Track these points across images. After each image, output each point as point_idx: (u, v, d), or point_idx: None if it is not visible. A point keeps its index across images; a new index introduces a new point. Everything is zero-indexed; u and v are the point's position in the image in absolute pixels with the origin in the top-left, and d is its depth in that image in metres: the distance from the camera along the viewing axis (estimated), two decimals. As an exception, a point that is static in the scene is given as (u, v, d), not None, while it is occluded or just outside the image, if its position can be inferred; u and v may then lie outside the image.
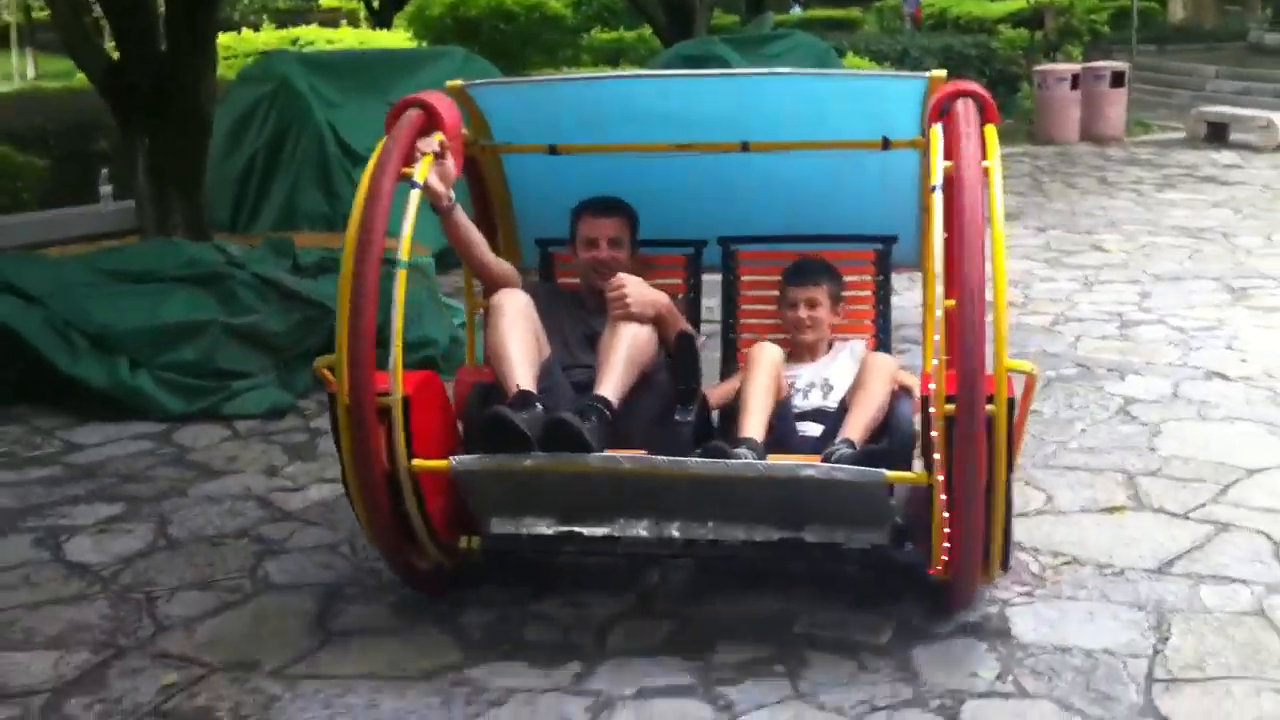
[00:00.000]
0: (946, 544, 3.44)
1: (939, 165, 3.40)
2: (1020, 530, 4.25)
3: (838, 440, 3.74)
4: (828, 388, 4.22)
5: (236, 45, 18.85)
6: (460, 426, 4.05)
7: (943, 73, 3.85)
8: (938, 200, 3.35)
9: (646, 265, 4.47)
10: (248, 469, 5.36)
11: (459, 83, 4.04)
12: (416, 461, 3.55)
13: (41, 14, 38.31)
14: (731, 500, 3.59)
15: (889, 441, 3.85)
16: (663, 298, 4.04)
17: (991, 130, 3.54)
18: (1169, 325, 7.29)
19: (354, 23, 33.02)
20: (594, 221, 4.35)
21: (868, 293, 4.63)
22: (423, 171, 3.64)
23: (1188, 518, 4.55)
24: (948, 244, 3.35)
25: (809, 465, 3.54)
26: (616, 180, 4.37)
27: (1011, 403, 3.33)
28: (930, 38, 19.65)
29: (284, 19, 29.44)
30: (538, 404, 3.68)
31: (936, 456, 3.30)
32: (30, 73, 34.18)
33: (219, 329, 6.12)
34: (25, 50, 35.64)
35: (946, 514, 3.36)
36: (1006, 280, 3.21)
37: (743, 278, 4.73)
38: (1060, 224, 10.65)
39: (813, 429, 4.08)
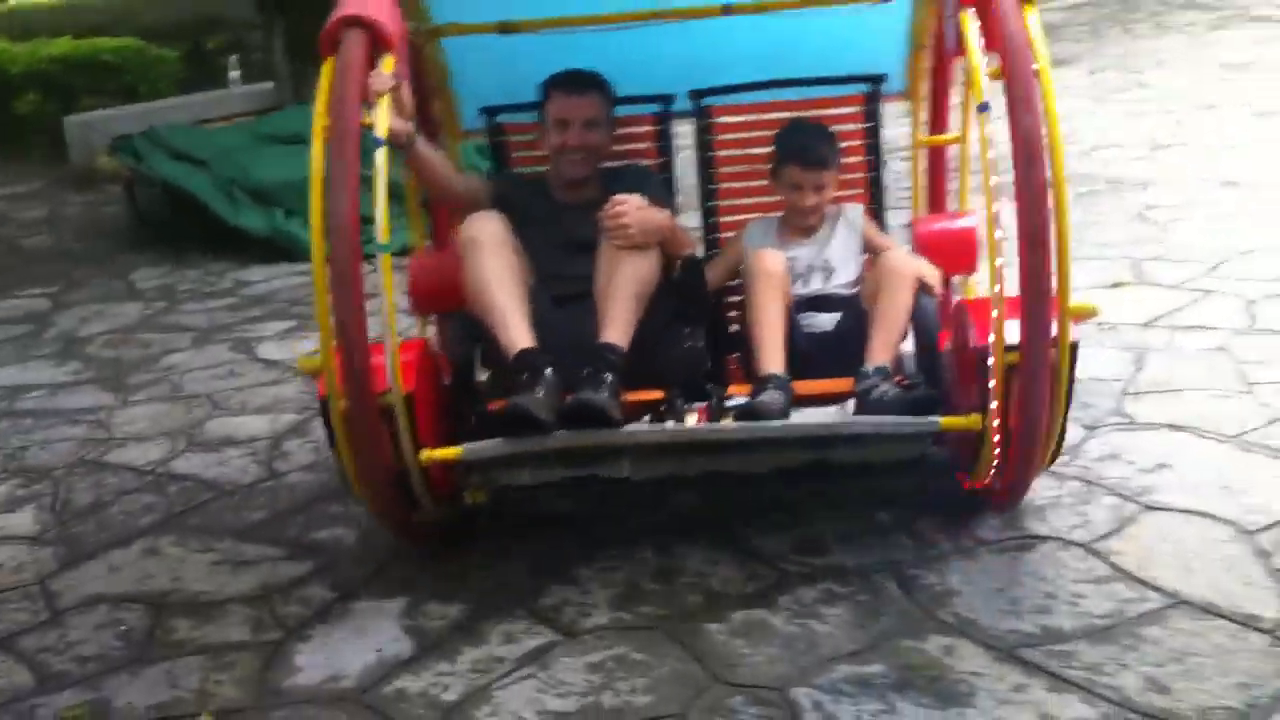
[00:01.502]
0: (995, 468, 3.34)
1: (982, 72, 3.05)
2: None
3: (869, 368, 3.48)
4: (828, 270, 3.92)
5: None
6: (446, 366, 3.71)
7: None
8: (987, 120, 3.04)
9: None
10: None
11: None
12: (425, 453, 3.23)
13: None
14: (762, 444, 3.35)
15: (916, 345, 3.72)
16: (667, 218, 3.65)
17: (1031, 9, 3.05)
18: (1195, 146, 8.05)
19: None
20: (566, 101, 3.80)
21: (857, 142, 4.23)
22: (383, 120, 3.12)
23: (1179, 287, 5.44)
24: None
25: (857, 421, 3.35)
26: (571, 46, 3.89)
27: (1074, 347, 3.14)
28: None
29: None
30: (547, 369, 3.32)
31: (994, 404, 3.15)
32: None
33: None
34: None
35: (997, 452, 3.26)
36: (1069, 210, 2.96)
37: (719, 136, 4.27)
38: (1112, 65, 11.30)
39: (819, 320, 3.83)
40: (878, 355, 3.52)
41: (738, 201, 4.27)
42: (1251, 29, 12.66)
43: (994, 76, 3.02)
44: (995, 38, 3.01)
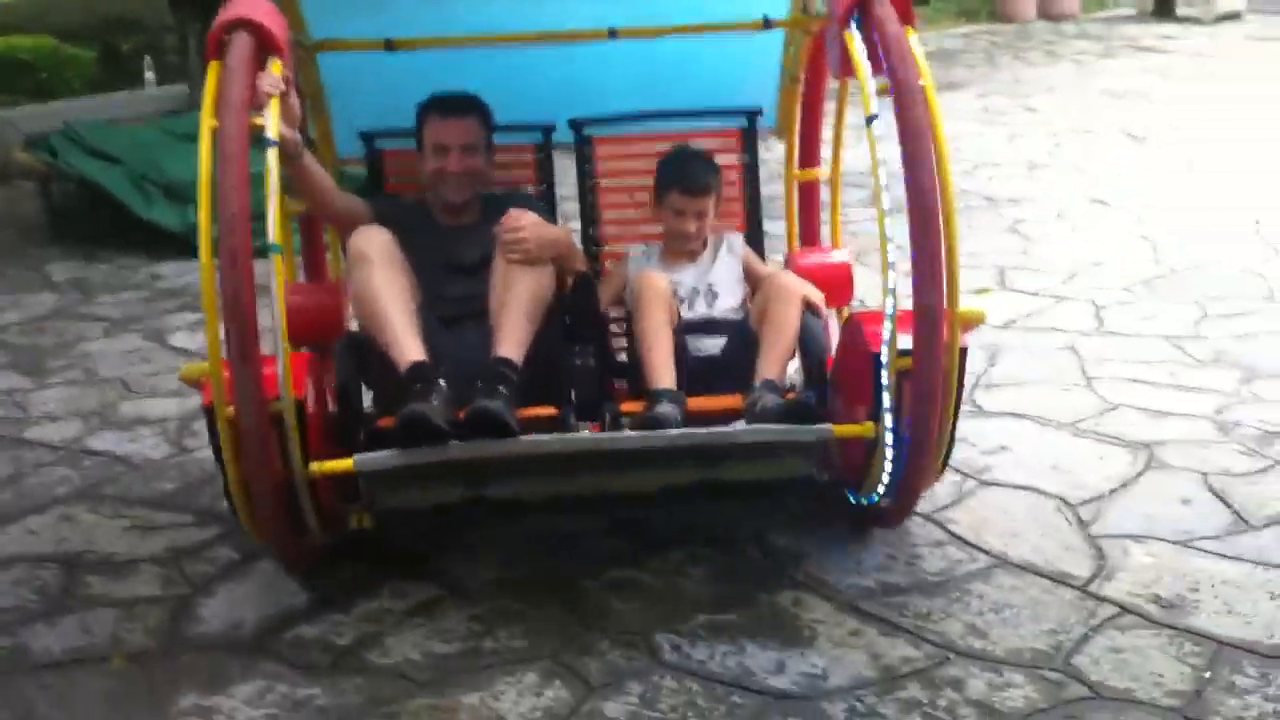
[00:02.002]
0: (886, 480, 3.32)
1: (870, 89, 3.13)
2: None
3: (757, 382, 3.52)
4: (712, 295, 3.94)
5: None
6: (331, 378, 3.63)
7: None
8: (874, 133, 3.13)
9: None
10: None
11: None
12: (314, 465, 3.14)
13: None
14: (654, 457, 3.31)
15: (803, 365, 3.75)
16: (563, 235, 3.73)
17: (911, 34, 3.17)
18: (1072, 167, 8.56)
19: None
20: (443, 126, 3.80)
21: (735, 175, 4.29)
22: (275, 121, 3.10)
23: (1037, 294, 5.88)
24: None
25: (751, 430, 3.35)
26: (448, 62, 3.89)
27: (964, 352, 3.22)
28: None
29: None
30: (440, 380, 3.29)
31: (887, 408, 3.18)
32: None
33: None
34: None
35: (890, 460, 3.25)
36: (956, 213, 3.05)
37: (600, 164, 4.30)
38: (1002, 90, 11.82)
39: (706, 344, 3.84)
40: (766, 370, 3.55)
41: (619, 230, 4.29)
42: (1137, 58, 13.32)
43: (882, 92, 3.11)
44: (881, 55, 3.14)
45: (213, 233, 2.93)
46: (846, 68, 3.29)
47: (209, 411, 3.12)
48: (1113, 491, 3.92)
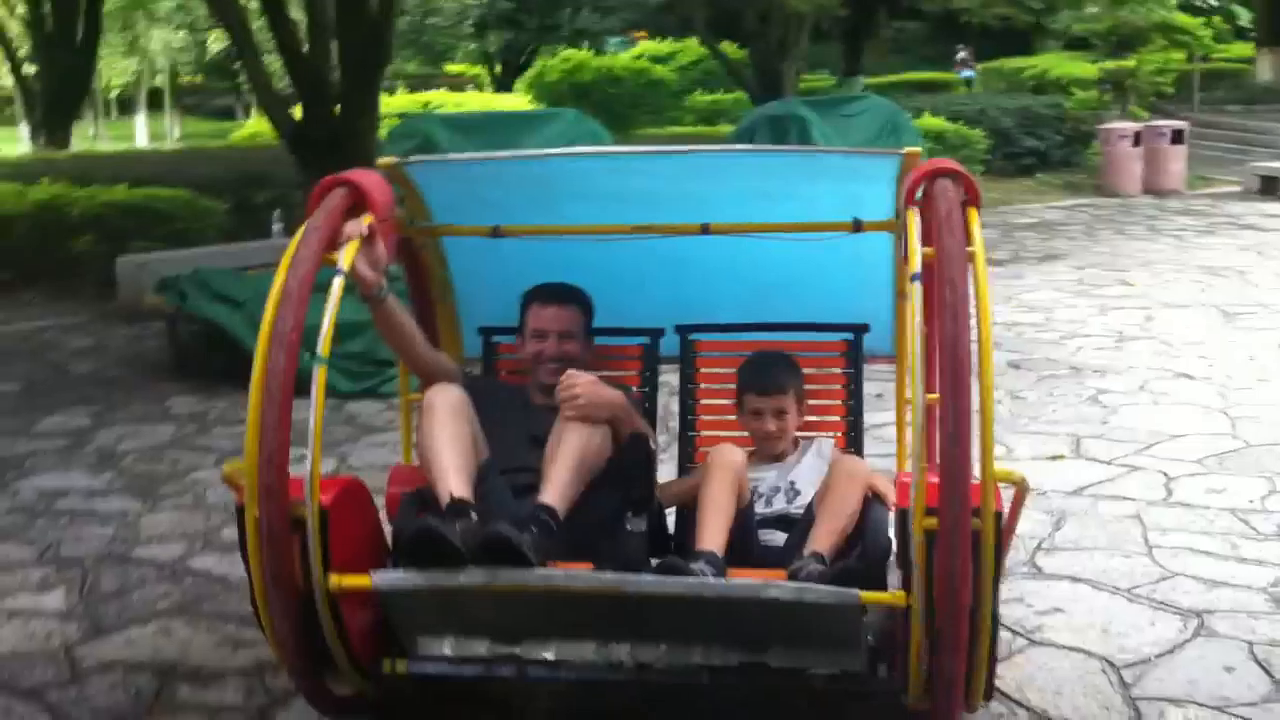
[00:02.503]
0: (925, 670, 3.08)
1: (918, 251, 3.11)
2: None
3: (805, 553, 3.42)
4: (793, 492, 3.90)
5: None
6: (389, 539, 3.66)
7: (918, 149, 3.53)
8: (917, 290, 3.07)
9: (600, 356, 4.22)
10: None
11: (392, 159, 3.73)
12: (333, 577, 3.13)
13: (183, 79, 41.39)
14: (688, 620, 3.27)
15: (861, 553, 3.52)
16: (619, 397, 3.70)
17: (974, 214, 3.18)
18: (1160, 340, 8.68)
19: (479, 87, 35.46)
20: (543, 312, 3.99)
21: (837, 386, 4.32)
22: (348, 256, 3.27)
23: (1110, 463, 6.00)
24: (928, 338, 3.19)
25: (774, 584, 3.18)
26: (566, 263, 4.08)
27: (999, 516, 3.02)
28: (1008, 98, 20.94)
29: (416, 84, 31.95)
30: (472, 513, 3.32)
31: (915, 573, 2.99)
32: (175, 133, 36.83)
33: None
34: (174, 112, 38.53)
35: (926, 639, 3.03)
36: (993, 376, 2.97)
37: (701, 369, 4.40)
38: (1099, 263, 12.00)
39: (777, 537, 3.80)
40: (815, 542, 3.46)
41: (715, 433, 4.29)
42: (1238, 236, 13.43)
43: (928, 257, 3.07)
44: (932, 221, 3.09)
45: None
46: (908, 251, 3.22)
47: (240, 512, 3.16)
48: (1158, 656, 4.00)
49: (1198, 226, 14.19)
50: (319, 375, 3.12)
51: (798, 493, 3.89)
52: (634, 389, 4.23)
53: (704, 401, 4.39)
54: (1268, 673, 3.88)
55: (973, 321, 2.92)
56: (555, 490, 3.42)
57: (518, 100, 26.08)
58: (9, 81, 28.71)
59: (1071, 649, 4.07)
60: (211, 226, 11.66)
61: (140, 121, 36.57)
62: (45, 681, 3.99)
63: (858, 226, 3.78)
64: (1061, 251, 12.68)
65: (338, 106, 11.70)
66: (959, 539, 2.85)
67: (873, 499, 3.60)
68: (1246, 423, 6.58)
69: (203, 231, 11.57)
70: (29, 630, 4.37)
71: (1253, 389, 7.29)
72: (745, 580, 3.26)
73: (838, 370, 4.33)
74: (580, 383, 3.56)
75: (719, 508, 3.50)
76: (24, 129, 26.49)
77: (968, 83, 28.23)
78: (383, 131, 12.06)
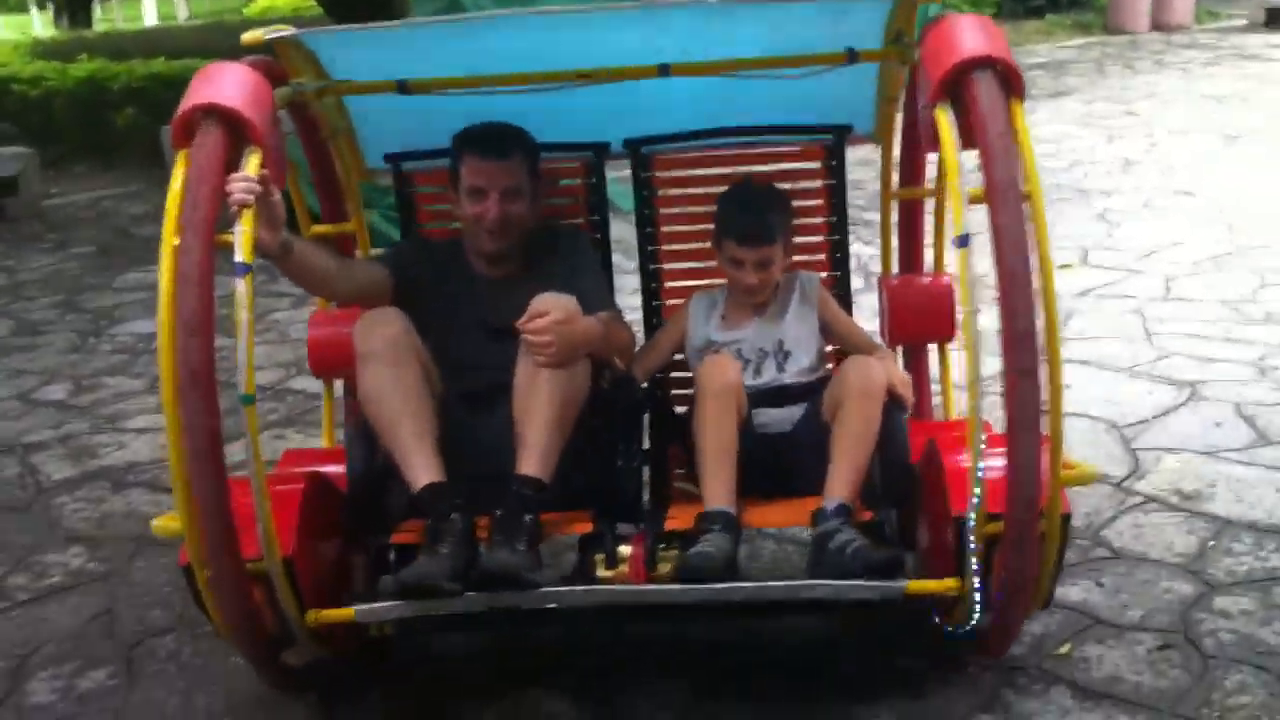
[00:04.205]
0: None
1: (963, 195, 2.54)
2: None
3: (829, 508, 2.96)
4: (783, 354, 3.39)
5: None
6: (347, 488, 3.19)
7: None
8: (965, 258, 2.51)
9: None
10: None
11: (260, 33, 2.87)
12: (311, 615, 2.81)
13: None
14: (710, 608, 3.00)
15: (881, 475, 3.13)
16: (594, 328, 3.11)
17: (1018, 111, 2.58)
18: (1164, 163, 9.12)
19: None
20: (482, 165, 3.27)
21: (817, 201, 3.70)
22: (246, 241, 2.57)
23: (1113, 269, 6.52)
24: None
25: (811, 585, 2.83)
26: (492, 101, 3.31)
27: (1066, 519, 2.73)
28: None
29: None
30: (453, 514, 2.90)
31: (974, 569, 2.69)
32: (183, 12, 36.88)
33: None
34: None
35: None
36: (1061, 354, 2.59)
37: (660, 192, 3.72)
38: (1107, 97, 12.36)
39: (775, 418, 3.31)
40: (837, 489, 2.99)
41: (682, 265, 3.75)
42: (1241, 66, 13.73)
43: (975, 200, 2.53)
44: (977, 143, 2.54)
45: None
46: (934, 144, 2.71)
47: (186, 571, 2.76)
48: (1155, 417, 4.58)
49: (1203, 59, 14.47)
50: (250, 416, 2.57)
51: (788, 354, 3.39)
52: (580, 223, 3.69)
53: (666, 229, 3.75)
54: (1253, 427, 4.45)
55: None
56: (536, 456, 2.96)
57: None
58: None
59: (1079, 415, 4.62)
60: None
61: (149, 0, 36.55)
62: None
63: (852, 58, 3.18)
64: (1071, 88, 13.01)
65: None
66: (1026, 553, 2.60)
67: (889, 404, 3.11)
68: (1244, 231, 7.08)
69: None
70: (158, 442, 4.97)
71: (1251, 201, 7.77)
72: (777, 584, 3.03)
73: (818, 183, 3.71)
74: (548, 324, 2.96)
75: (722, 447, 3.07)
76: (34, 15, 26.66)
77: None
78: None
